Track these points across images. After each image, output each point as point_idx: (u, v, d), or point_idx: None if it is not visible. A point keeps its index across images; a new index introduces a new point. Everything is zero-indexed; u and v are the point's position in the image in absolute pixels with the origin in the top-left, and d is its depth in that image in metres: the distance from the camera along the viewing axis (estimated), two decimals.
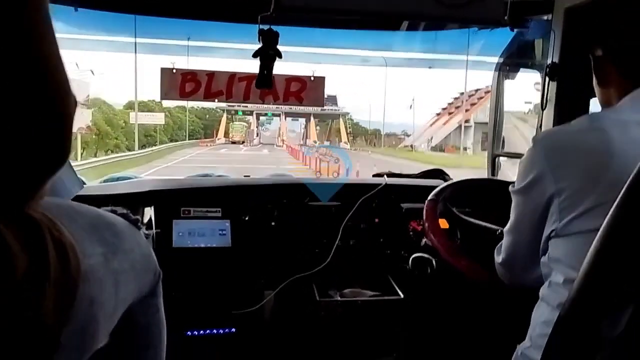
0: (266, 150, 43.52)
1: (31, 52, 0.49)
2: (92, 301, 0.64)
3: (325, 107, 56.35)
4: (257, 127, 61.85)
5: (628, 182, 0.79)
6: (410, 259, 1.78)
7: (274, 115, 62.38)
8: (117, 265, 0.73)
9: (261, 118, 65.63)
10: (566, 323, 0.88)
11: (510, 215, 1.20)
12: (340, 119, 63.12)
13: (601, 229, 0.81)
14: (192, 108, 64.59)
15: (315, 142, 53.44)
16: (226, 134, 57.98)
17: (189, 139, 54.82)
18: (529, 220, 1.12)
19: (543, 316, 1.05)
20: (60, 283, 0.56)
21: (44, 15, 0.50)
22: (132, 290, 0.81)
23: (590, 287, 0.84)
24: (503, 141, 2.57)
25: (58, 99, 0.51)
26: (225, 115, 59.47)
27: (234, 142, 54.52)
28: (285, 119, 62.09)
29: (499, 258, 1.29)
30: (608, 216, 0.81)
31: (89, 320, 0.64)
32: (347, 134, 61.43)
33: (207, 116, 66.78)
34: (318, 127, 63.69)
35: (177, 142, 47.97)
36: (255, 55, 1.77)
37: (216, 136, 57.79)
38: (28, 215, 0.55)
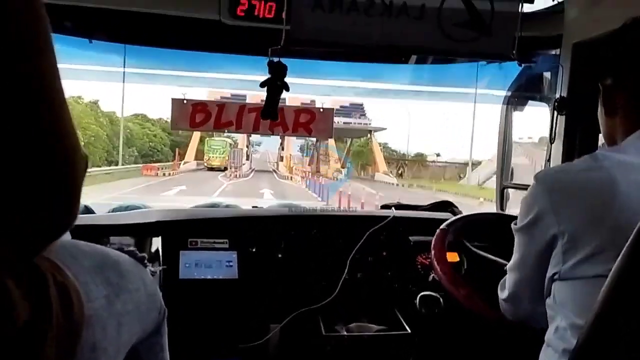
0: (267, 189, 25.76)
1: (47, 117, 0.48)
2: (94, 347, 0.63)
3: (350, 120, 42.76)
4: (247, 146, 43.27)
5: (638, 226, 0.78)
6: (418, 297, 1.76)
7: None
8: (121, 307, 0.73)
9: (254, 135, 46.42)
10: None
11: (514, 252, 1.19)
12: (372, 138, 45.51)
13: (610, 276, 0.80)
14: (160, 119, 44.83)
15: (339, 170, 36.87)
16: (199, 156, 40.03)
17: (143, 161, 37.27)
18: (533, 259, 1.11)
19: None
20: (62, 329, 0.55)
21: (58, 76, 0.50)
22: (136, 331, 0.80)
23: (597, 336, 0.82)
24: (512, 173, 2.57)
25: (69, 164, 0.51)
26: None
27: (211, 169, 37.31)
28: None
29: (502, 294, 1.28)
30: (617, 263, 0.80)
31: None
32: (384, 160, 44.02)
33: (180, 131, 41.90)
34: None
35: (102, 169, 28.67)
36: (262, 85, 1.79)
37: (180, 159, 38.25)
38: (31, 263, 0.55)
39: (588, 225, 0.98)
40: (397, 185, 34.58)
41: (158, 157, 40.51)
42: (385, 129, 47.80)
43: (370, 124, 45.50)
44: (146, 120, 44.19)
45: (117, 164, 32.91)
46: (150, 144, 41.69)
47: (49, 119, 0.48)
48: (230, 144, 39.36)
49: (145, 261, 0.93)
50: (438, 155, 54.43)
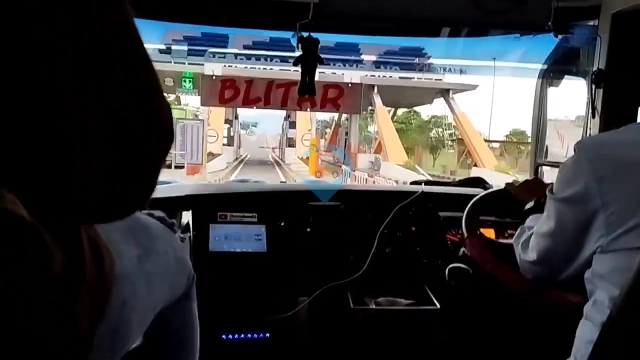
0: None
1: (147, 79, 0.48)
2: (124, 302, 0.64)
3: (410, 75, 26.17)
4: (228, 121, 28.22)
5: None
6: (447, 269, 1.74)
7: None
8: (151, 267, 0.74)
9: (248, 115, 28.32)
10: (608, 341, 0.84)
11: (547, 218, 1.15)
12: (453, 104, 26.82)
13: None
14: None
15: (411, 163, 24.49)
16: None
17: None
18: (570, 230, 1.07)
19: (588, 336, 1.00)
20: (94, 284, 0.56)
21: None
22: (164, 292, 0.82)
23: (632, 305, 0.80)
24: (546, 150, 2.51)
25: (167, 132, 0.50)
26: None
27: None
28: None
29: (528, 255, 1.24)
30: None
31: (121, 321, 0.64)
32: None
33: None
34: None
35: None
36: (296, 63, 1.78)
37: None
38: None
39: (635, 196, 0.94)
40: None
41: None
42: (476, 86, 27.72)
43: (442, 79, 26.84)
44: None
45: None
46: None
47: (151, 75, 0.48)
48: (197, 115, 23.05)
49: (175, 227, 0.94)
50: (522, 134, 34.76)
